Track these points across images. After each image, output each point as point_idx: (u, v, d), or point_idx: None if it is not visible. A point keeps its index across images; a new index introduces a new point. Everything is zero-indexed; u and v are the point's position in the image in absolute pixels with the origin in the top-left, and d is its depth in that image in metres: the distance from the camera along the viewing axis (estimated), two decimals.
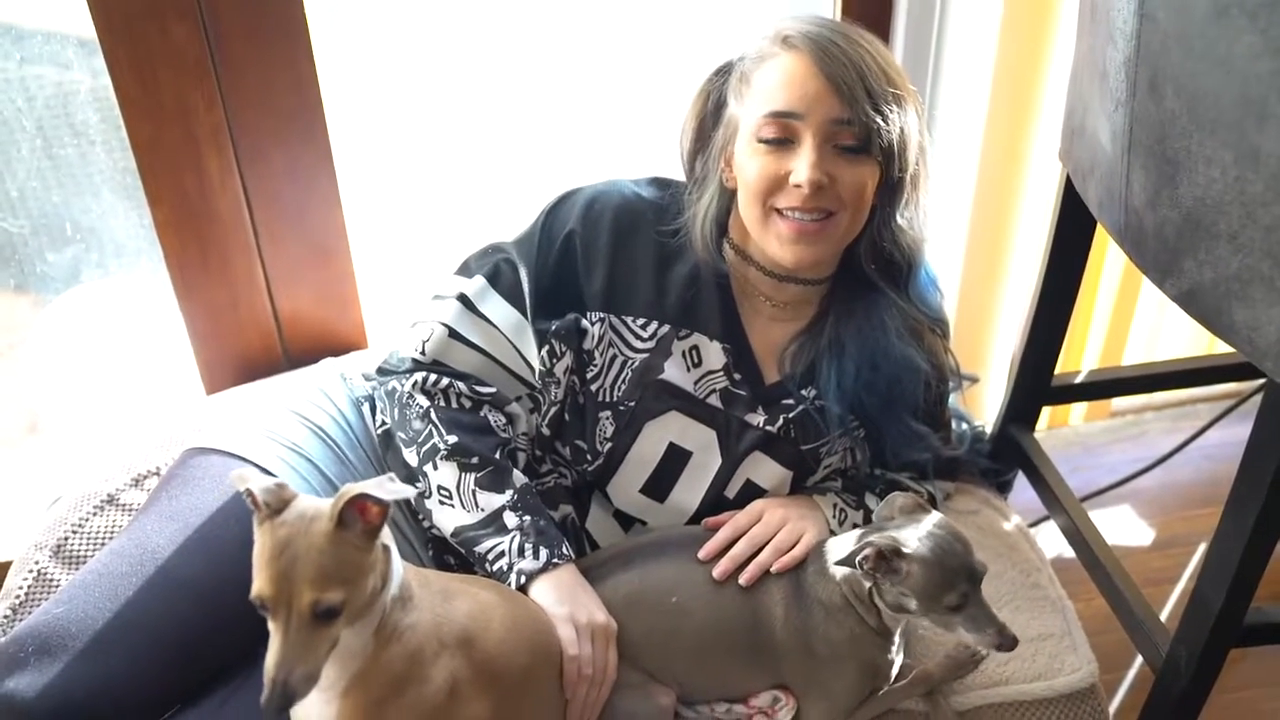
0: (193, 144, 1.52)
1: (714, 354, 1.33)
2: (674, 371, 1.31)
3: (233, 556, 1.03)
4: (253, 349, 1.71)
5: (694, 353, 1.32)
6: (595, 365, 1.30)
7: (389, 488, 0.94)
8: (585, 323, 1.30)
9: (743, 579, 1.24)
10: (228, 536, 1.19)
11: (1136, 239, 1.25)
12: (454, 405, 1.29)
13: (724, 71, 1.30)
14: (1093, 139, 1.33)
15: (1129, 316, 2.16)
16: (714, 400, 1.33)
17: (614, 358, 1.30)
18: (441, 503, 1.25)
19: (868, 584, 1.17)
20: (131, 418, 1.85)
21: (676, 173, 1.37)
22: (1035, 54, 1.74)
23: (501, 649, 1.09)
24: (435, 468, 1.26)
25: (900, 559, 1.13)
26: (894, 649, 1.22)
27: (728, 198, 1.30)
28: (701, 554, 1.26)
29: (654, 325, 1.31)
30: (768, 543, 1.27)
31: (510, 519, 1.23)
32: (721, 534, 1.28)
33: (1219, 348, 2.16)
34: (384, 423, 1.35)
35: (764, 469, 1.33)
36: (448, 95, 1.76)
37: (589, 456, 1.32)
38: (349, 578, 0.93)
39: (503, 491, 1.24)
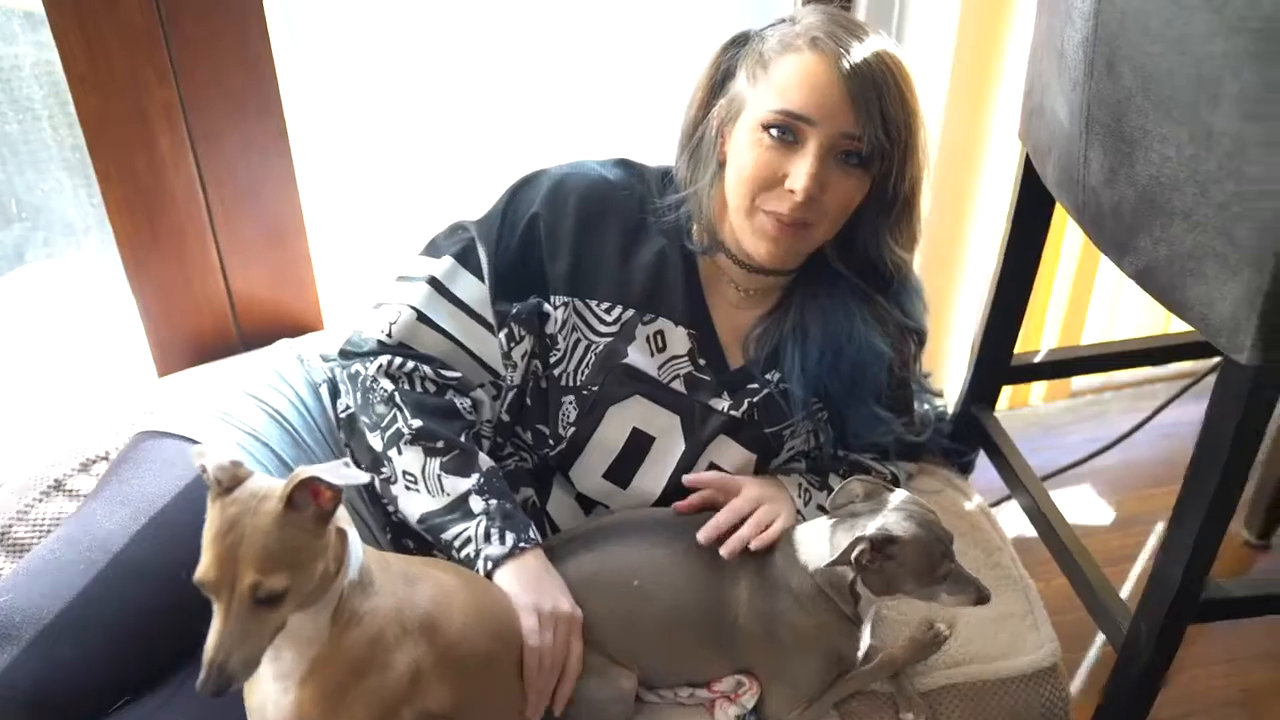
0: (143, 120, 1.51)
1: (678, 339, 1.34)
2: (638, 356, 1.32)
3: (186, 542, 1.02)
4: (206, 330, 1.70)
5: (658, 337, 1.33)
6: (559, 349, 1.31)
7: (343, 473, 0.93)
8: (548, 306, 1.30)
9: (724, 550, 1.25)
10: (181, 521, 1.17)
11: (1094, 217, 1.28)
12: (419, 389, 1.29)
13: (739, 42, 1.30)
14: (1051, 118, 1.35)
15: (1087, 296, 2.19)
16: (678, 385, 1.34)
17: (577, 341, 1.31)
18: (407, 488, 1.25)
19: (851, 574, 1.18)
20: (80, 401, 1.83)
21: (638, 154, 1.38)
22: (995, 32, 1.76)
23: (464, 634, 1.09)
24: (400, 452, 1.26)
25: (893, 545, 1.15)
26: (861, 636, 1.24)
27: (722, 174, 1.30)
28: (701, 537, 1.26)
29: (618, 309, 1.32)
30: (748, 518, 1.28)
31: (476, 503, 1.23)
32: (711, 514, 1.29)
33: (1175, 326, 2.21)
34: (347, 407, 1.35)
35: (728, 453, 1.35)
36: (407, 71, 1.76)
37: (551, 441, 1.32)
38: (295, 562, 0.92)
39: (469, 475, 1.24)
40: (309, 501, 0.93)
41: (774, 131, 1.22)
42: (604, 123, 1.85)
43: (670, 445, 1.33)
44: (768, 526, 1.27)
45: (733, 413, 1.34)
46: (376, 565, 1.05)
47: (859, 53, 1.21)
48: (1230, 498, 1.24)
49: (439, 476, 1.24)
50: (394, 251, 1.35)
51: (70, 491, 1.39)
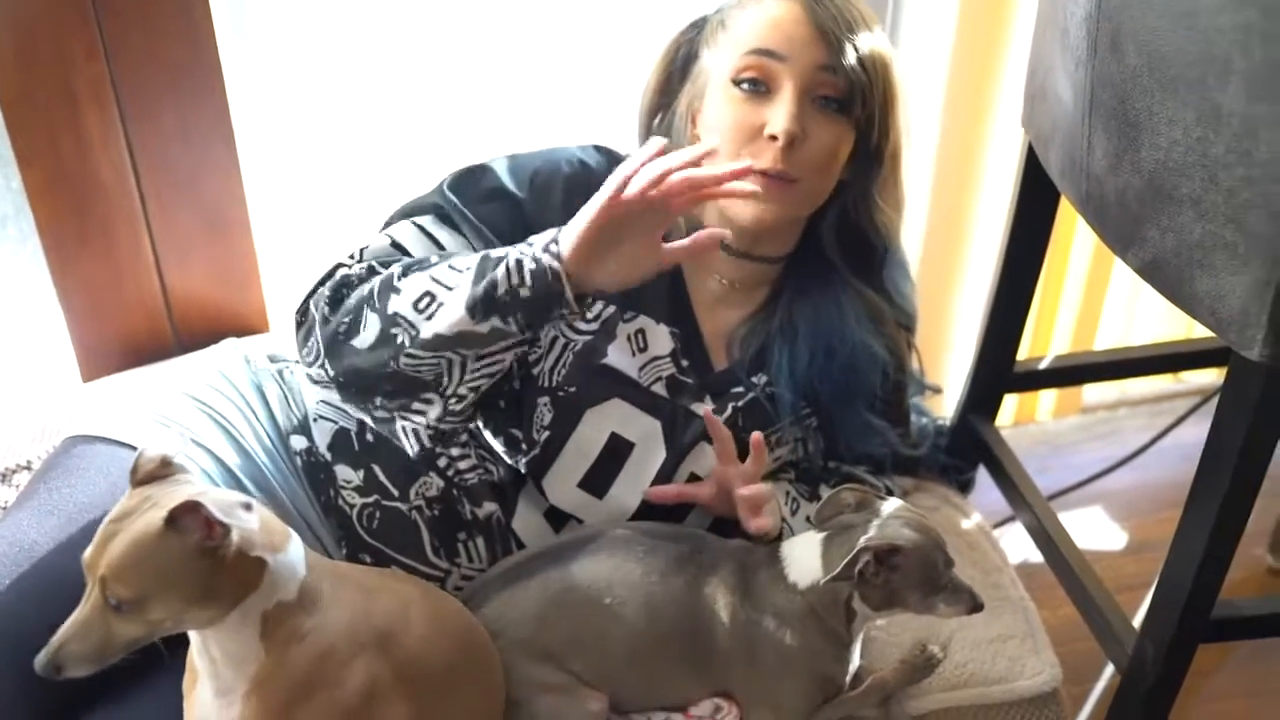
0: (70, 98, 1.51)
1: (661, 338, 1.35)
2: (618, 356, 1.33)
3: None
4: (138, 331, 1.70)
5: (639, 336, 1.35)
6: (538, 347, 1.32)
7: (237, 514, 0.95)
8: None
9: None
10: None
11: (1098, 207, 1.31)
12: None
13: (698, 25, 1.35)
14: (1054, 102, 1.38)
15: (1100, 299, 2.21)
16: (659, 388, 1.35)
17: (555, 339, 1.32)
18: (431, 315, 1.16)
19: (848, 590, 1.19)
20: None
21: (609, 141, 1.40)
22: (999, 13, 1.79)
23: (423, 647, 1.11)
24: (399, 293, 1.18)
25: (896, 554, 1.16)
26: (850, 658, 1.26)
27: None
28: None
29: (599, 305, 1.33)
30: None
31: (498, 251, 1.17)
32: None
33: (1198, 333, 2.24)
34: (314, 353, 1.24)
35: (710, 461, 1.35)
36: (361, 48, 1.77)
37: (524, 446, 1.33)
38: (158, 581, 0.95)
39: (476, 252, 1.20)
40: (197, 529, 0.95)
41: (745, 84, 1.26)
42: (567, 107, 1.87)
43: (650, 452, 1.34)
44: (755, 510, 1.28)
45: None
46: (329, 578, 1.07)
47: None
48: (1242, 505, 1.26)
49: (450, 267, 1.18)
50: (346, 245, 1.35)
51: None
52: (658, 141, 1.12)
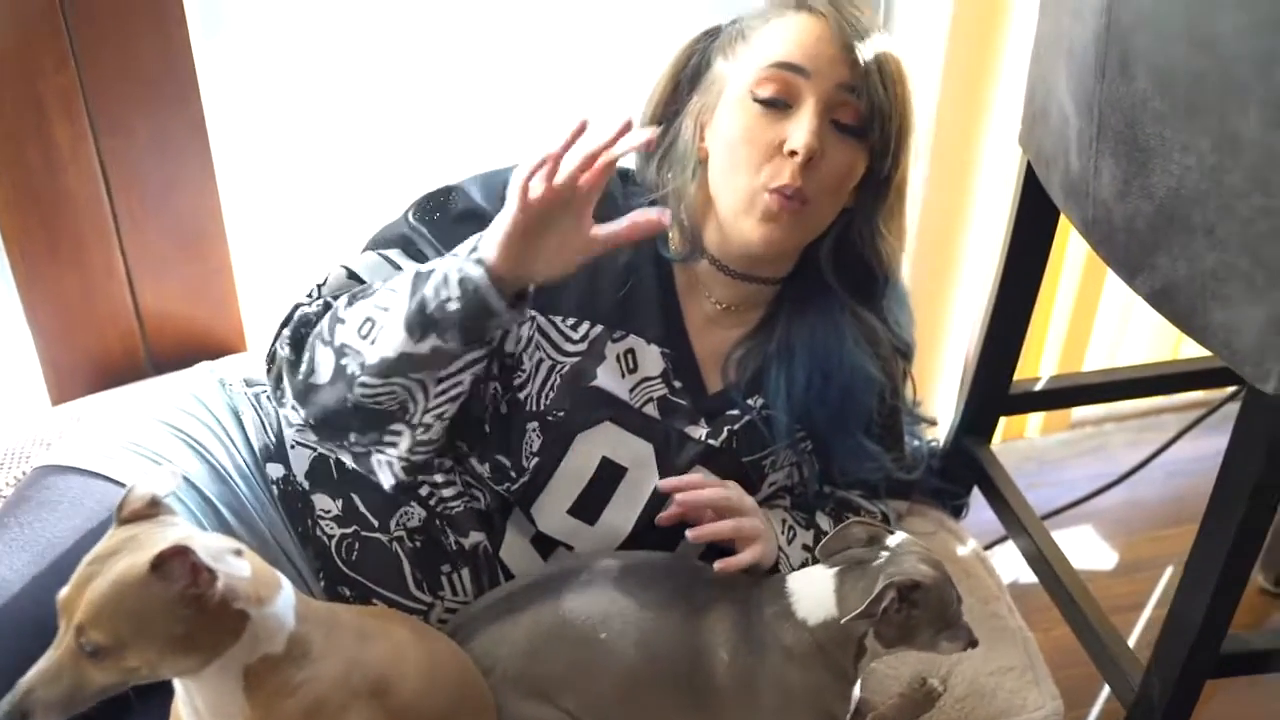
0: (38, 108, 1.49)
1: (651, 359, 1.34)
2: (607, 378, 1.32)
3: None
4: (110, 351, 1.68)
5: (629, 357, 1.33)
6: (523, 371, 1.30)
7: (229, 561, 0.92)
8: None
9: (691, 534, 1.25)
10: None
11: (1105, 233, 1.30)
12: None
13: (712, 34, 1.34)
14: (1058, 122, 1.37)
15: (1090, 319, 2.22)
16: (651, 410, 1.34)
17: (541, 362, 1.30)
18: (374, 340, 1.15)
19: (865, 627, 1.18)
20: None
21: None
22: (992, 27, 1.78)
23: (418, 695, 1.09)
24: (344, 324, 1.18)
25: (917, 590, 1.15)
26: (853, 694, 1.25)
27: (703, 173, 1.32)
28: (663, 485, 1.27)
29: (585, 325, 1.31)
30: (732, 513, 1.28)
31: (427, 267, 1.16)
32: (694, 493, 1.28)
33: (1186, 352, 2.25)
34: (292, 404, 1.24)
35: None
36: (343, 55, 1.75)
37: (513, 474, 1.31)
38: (137, 632, 0.92)
39: (409, 269, 1.19)
40: (183, 575, 0.92)
41: (764, 95, 1.25)
42: (555, 116, 1.85)
43: (643, 477, 1.33)
44: (751, 541, 1.26)
45: (710, 441, 1.34)
46: (322, 625, 1.04)
47: (847, 8, 1.27)
48: (1253, 539, 1.26)
49: (389, 290, 1.17)
50: (327, 264, 1.33)
51: None
52: (580, 123, 1.10)
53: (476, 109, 1.82)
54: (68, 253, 1.59)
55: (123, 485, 1.23)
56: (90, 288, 1.63)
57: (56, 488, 1.26)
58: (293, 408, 1.24)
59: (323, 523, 1.33)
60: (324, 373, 1.19)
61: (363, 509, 1.32)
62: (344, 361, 1.17)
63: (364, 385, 1.17)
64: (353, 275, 1.28)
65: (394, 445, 1.23)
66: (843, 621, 1.18)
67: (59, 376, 1.68)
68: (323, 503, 1.33)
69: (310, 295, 1.28)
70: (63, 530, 1.20)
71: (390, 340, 1.15)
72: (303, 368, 1.21)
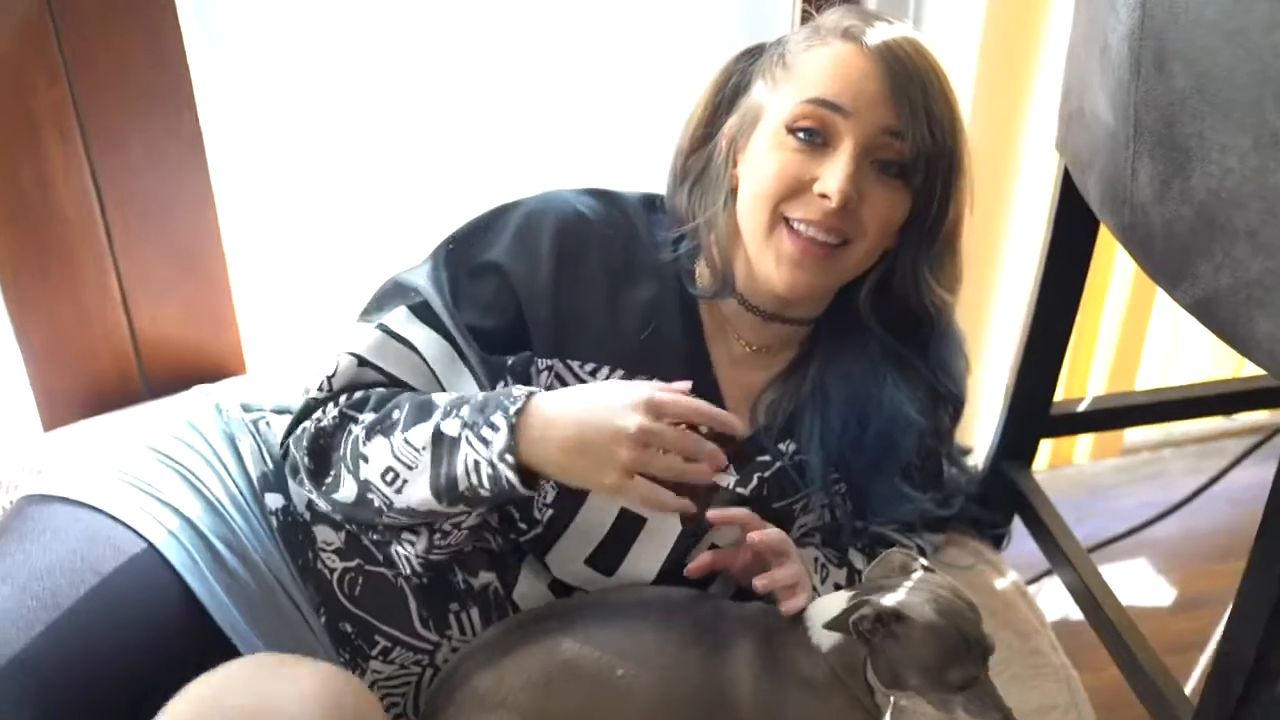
0: (29, 125, 1.50)
1: None
2: None
3: (82, 630, 0.99)
4: (104, 375, 1.69)
5: None
6: None
7: None
8: (533, 368, 1.28)
9: (760, 584, 1.23)
10: (76, 607, 1.15)
11: (1143, 239, 1.26)
12: (371, 400, 1.25)
13: (753, 53, 1.32)
14: (1093, 124, 1.34)
15: (1141, 335, 2.19)
16: None
17: None
18: (399, 490, 1.18)
19: (862, 653, 1.16)
20: None
21: (608, 180, 1.37)
22: (1028, 26, 1.77)
23: None
24: (366, 461, 1.19)
25: (900, 624, 1.12)
26: None
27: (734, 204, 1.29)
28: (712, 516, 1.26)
29: (605, 370, 1.29)
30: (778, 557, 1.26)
31: (450, 427, 1.16)
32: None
33: (1249, 370, 2.19)
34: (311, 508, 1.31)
35: (731, 534, 1.32)
36: (345, 66, 1.75)
37: (523, 525, 1.29)
38: None
39: (430, 416, 1.18)
40: None
41: (801, 133, 1.21)
42: (572, 135, 1.85)
43: (664, 527, 1.30)
44: (789, 591, 1.23)
45: (740, 490, 1.32)
46: None
47: (898, 44, 1.22)
48: None
49: (405, 441, 1.18)
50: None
51: None
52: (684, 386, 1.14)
53: (477, 128, 1.82)
54: (60, 273, 1.60)
55: (109, 515, 1.24)
56: (84, 309, 1.64)
57: (39, 518, 1.25)
58: (312, 496, 1.28)
59: (324, 555, 1.31)
60: (347, 494, 1.22)
61: (366, 542, 1.31)
62: (369, 495, 1.20)
63: (390, 518, 1.21)
64: (364, 364, 1.27)
65: (411, 543, 1.26)
66: (820, 628, 1.17)
67: (51, 401, 1.68)
68: (325, 535, 1.31)
69: (321, 389, 1.27)
70: (45, 561, 1.19)
71: (416, 496, 1.17)
72: (327, 480, 1.23)
